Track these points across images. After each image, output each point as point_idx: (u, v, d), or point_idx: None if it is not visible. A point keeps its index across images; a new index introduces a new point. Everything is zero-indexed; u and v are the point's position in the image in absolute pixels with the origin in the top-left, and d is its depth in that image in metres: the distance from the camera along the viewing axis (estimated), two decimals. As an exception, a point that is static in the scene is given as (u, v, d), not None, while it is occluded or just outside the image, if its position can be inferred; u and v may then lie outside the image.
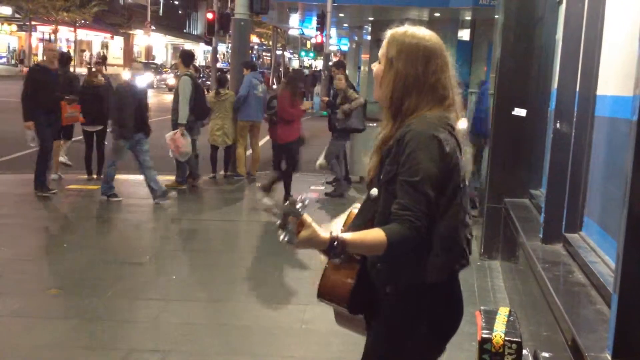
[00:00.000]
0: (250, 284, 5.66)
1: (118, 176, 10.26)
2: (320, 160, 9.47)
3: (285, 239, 1.96)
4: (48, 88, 8.46)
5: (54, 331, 4.51)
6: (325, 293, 2.18)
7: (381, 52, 2.24)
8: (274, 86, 40.25)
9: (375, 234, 2.01)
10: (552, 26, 5.76)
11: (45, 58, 8.94)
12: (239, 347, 4.37)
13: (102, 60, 40.68)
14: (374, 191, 2.19)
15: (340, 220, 2.32)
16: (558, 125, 4.50)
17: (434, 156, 2.05)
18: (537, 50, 6.03)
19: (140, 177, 8.65)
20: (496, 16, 6.77)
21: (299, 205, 1.98)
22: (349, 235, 2.02)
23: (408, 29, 2.22)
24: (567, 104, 4.42)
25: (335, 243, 1.99)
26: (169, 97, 10.28)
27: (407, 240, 2.00)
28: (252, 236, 7.52)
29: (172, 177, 9.53)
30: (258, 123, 10.52)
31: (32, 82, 8.43)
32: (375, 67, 2.24)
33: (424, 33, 2.22)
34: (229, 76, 11.39)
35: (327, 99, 10.91)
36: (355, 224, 2.20)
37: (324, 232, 2.01)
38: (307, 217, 2.00)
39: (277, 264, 6.21)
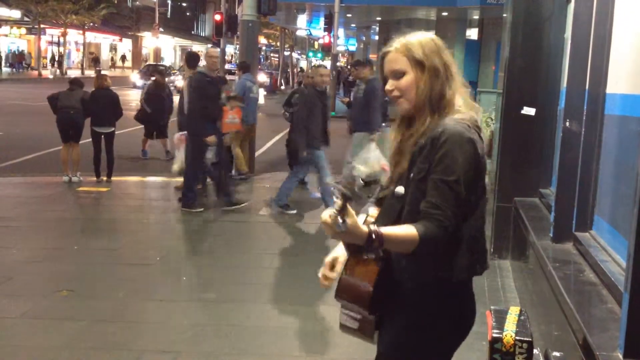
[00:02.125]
0: (260, 285, 5.66)
1: (127, 178, 10.33)
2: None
3: (340, 224, 1.92)
4: (214, 97, 8.25)
5: (65, 332, 4.53)
6: (344, 292, 2.15)
7: (395, 65, 2.20)
8: (282, 87, 40.30)
9: (408, 230, 2.02)
10: (560, 25, 5.74)
11: (206, 64, 8.48)
12: (250, 348, 4.38)
13: (95, 61, 40.78)
14: (400, 189, 2.19)
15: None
16: (567, 123, 4.49)
17: (469, 157, 2.07)
18: (546, 49, 6.00)
19: (148, 179, 8.67)
20: (504, 15, 6.74)
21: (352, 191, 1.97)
22: (385, 230, 2.02)
23: (408, 37, 2.23)
24: (576, 102, 4.40)
25: (374, 236, 1.99)
26: (177, 99, 10.28)
27: (436, 239, 2.02)
28: (262, 236, 7.52)
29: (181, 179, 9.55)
30: (253, 125, 10.51)
31: (200, 93, 8.09)
32: (393, 84, 2.21)
33: (421, 33, 2.25)
34: (236, 78, 11.44)
35: (347, 99, 10.92)
36: (380, 224, 2.18)
37: (363, 225, 2.00)
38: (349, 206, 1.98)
39: (286, 264, 6.22)
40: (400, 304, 2.20)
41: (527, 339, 2.90)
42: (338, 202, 1.92)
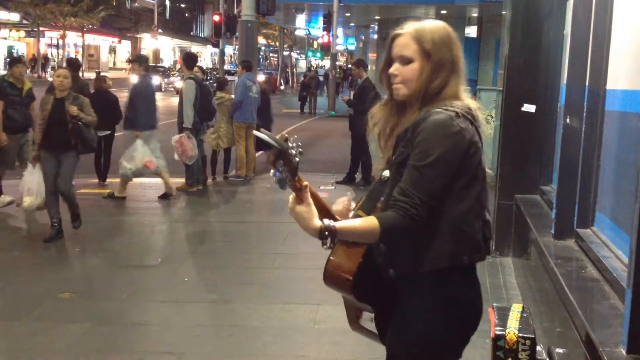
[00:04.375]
0: (261, 285, 5.66)
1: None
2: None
3: (275, 180, 1.99)
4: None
5: (67, 335, 4.53)
6: (330, 277, 2.14)
7: (405, 51, 2.17)
8: (282, 87, 40.31)
9: (368, 223, 2.03)
10: (560, 21, 5.74)
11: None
12: (251, 348, 4.38)
13: (70, 64, 40.38)
14: (387, 172, 2.19)
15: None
16: (568, 120, 4.48)
17: (448, 143, 2.04)
18: (545, 45, 6.00)
19: (148, 180, 8.66)
20: (503, 12, 6.75)
21: (292, 146, 1.96)
22: (340, 224, 2.04)
23: (423, 23, 2.20)
24: (576, 98, 4.40)
25: (327, 232, 2.02)
26: (177, 100, 10.28)
27: (399, 228, 2.02)
28: (262, 237, 7.52)
29: (183, 180, 9.56)
30: (253, 124, 10.51)
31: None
32: (398, 69, 2.18)
33: (436, 22, 2.23)
34: (236, 78, 11.44)
35: (347, 98, 10.97)
36: (365, 207, 2.20)
37: (317, 219, 2.03)
38: (309, 191, 2.03)
39: (287, 265, 6.22)
40: (395, 297, 2.18)
41: (530, 336, 2.90)
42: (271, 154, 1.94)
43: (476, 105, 2.19)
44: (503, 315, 3.05)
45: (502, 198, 6.17)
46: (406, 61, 2.17)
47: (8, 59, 43.44)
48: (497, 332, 2.92)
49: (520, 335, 2.88)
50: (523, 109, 5.96)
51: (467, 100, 2.18)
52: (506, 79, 6.21)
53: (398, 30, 2.21)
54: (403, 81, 2.18)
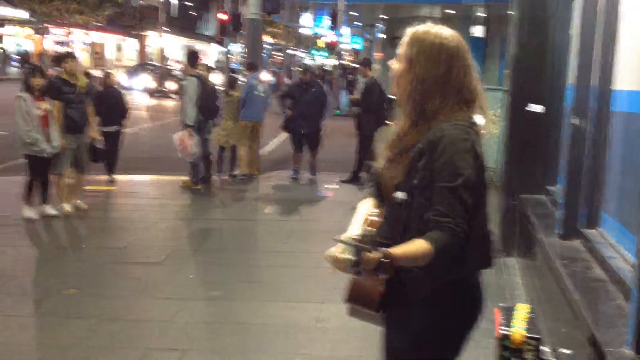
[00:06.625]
0: (266, 283, 5.67)
1: (133, 176, 10.35)
2: None
3: (353, 272, 2.04)
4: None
5: (73, 331, 4.54)
6: (354, 299, 2.14)
7: (400, 50, 2.19)
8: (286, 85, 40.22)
9: (420, 245, 1.99)
10: (566, 21, 5.72)
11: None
12: (256, 345, 4.39)
13: (55, 61, 40.02)
14: (401, 194, 2.14)
15: (357, 221, 2.29)
16: (574, 120, 4.47)
17: (470, 161, 2.05)
18: (551, 45, 5.99)
19: (152, 177, 8.67)
20: (510, 12, 6.73)
21: (369, 247, 1.99)
22: (395, 250, 2.00)
23: (430, 29, 2.17)
24: (582, 99, 4.39)
25: (385, 260, 1.98)
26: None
27: (452, 248, 2.00)
28: (267, 235, 7.53)
29: (186, 177, 9.58)
30: (259, 123, 10.55)
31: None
32: (394, 65, 2.21)
33: (446, 33, 2.17)
34: (239, 76, 11.48)
35: (354, 97, 10.98)
36: (383, 232, 2.17)
37: (373, 251, 1.99)
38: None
39: (292, 263, 6.22)
40: (408, 303, 2.18)
41: (536, 336, 2.90)
42: (352, 256, 1.96)
43: (481, 119, 2.18)
44: (508, 315, 3.05)
45: (508, 198, 6.17)
46: (399, 59, 2.20)
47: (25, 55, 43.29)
48: (503, 332, 2.92)
49: (527, 335, 2.88)
50: (529, 108, 5.94)
51: (469, 113, 2.16)
52: (512, 79, 6.20)
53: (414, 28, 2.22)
54: (394, 78, 2.21)
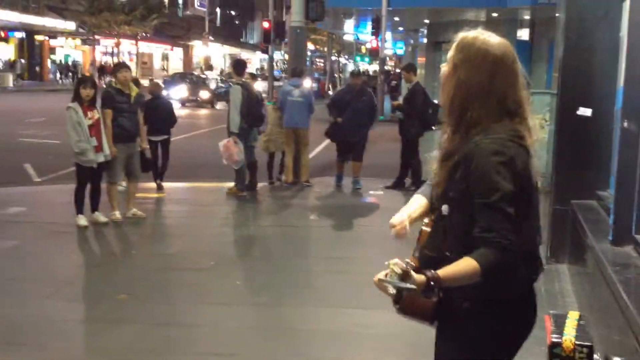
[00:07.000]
0: (313, 288, 5.69)
1: (182, 183, 10.51)
2: None
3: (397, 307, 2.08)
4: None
5: (123, 335, 4.64)
6: (409, 312, 2.15)
7: (449, 54, 2.17)
8: (330, 92, 40.35)
9: (467, 264, 1.96)
10: (615, 23, 5.61)
11: None
12: (302, 352, 4.41)
13: (100, 71, 40.52)
14: (445, 208, 2.13)
15: (407, 208, 2.31)
16: (626, 124, 4.38)
17: (505, 173, 1.99)
18: (600, 48, 5.88)
19: (198, 184, 8.77)
20: (557, 14, 6.64)
21: (407, 287, 1.95)
22: (442, 272, 1.97)
23: (479, 35, 2.14)
24: (634, 102, 4.30)
25: (432, 283, 1.95)
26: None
27: (501, 262, 1.95)
28: (313, 241, 7.56)
29: (232, 185, 9.67)
30: (302, 129, 10.36)
31: None
32: (443, 68, 2.19)
33: (493, 40, 2.13)
34: (281, 83, 11.53)
35: (397, 102, 10.88)
36: (430, 246, 2.17)
37: (419, 275, 1.96)
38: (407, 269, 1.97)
39: (338, 269, 6.23)
40: (461, 313, 2.16)
41: (588, 344, 2.85)
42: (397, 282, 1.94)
43: (527, 126, 2.11)
44: (559, 323, 3.00)
45: (558, 204, 6.06)
46: (448, 63, 2.17)
47: (67, 64, 44.14)
48: (554, 340, 2.88)
49: (578, 342, 2.83)
50: (578, 112, 5.84)
51: (512, 125, 2.10)
52: (561, 82, 6.10)
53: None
54: (441, 83, 2.19)
